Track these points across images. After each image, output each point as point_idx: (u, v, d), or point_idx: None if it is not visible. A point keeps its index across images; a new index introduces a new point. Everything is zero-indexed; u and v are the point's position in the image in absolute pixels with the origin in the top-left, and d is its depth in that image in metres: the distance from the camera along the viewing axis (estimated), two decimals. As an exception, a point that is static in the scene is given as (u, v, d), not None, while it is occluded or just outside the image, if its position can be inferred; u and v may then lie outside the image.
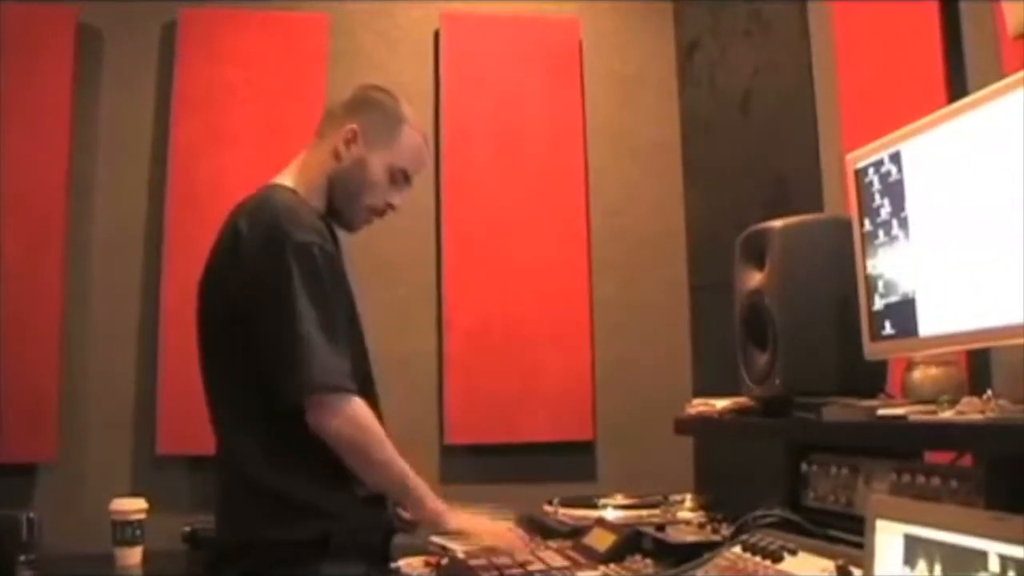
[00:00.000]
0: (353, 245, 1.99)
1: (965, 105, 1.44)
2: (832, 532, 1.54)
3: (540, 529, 2.13)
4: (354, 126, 1.82)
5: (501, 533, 1.85)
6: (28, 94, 2.93)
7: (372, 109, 1.86)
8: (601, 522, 2.01)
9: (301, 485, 1.64)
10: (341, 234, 1.89)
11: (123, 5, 3.13)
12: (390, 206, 1.87)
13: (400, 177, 1.86)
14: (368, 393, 1.76)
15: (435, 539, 2.06)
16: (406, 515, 1.86)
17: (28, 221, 2.89)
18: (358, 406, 1.64)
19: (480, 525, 1.83)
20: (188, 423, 2.80)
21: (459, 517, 1.78)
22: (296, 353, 1.60)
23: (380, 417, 1.79)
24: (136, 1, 3.13)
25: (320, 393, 1.61)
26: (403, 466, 1.69)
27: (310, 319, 1.61)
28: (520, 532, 1.92)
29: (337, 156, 1.82)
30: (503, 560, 1.77)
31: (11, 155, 2.89)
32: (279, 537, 1.62)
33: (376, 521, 1.75)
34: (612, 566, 1.72)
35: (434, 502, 1.74)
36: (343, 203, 1.82)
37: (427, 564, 2.02)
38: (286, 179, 1.82)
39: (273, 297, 1.62)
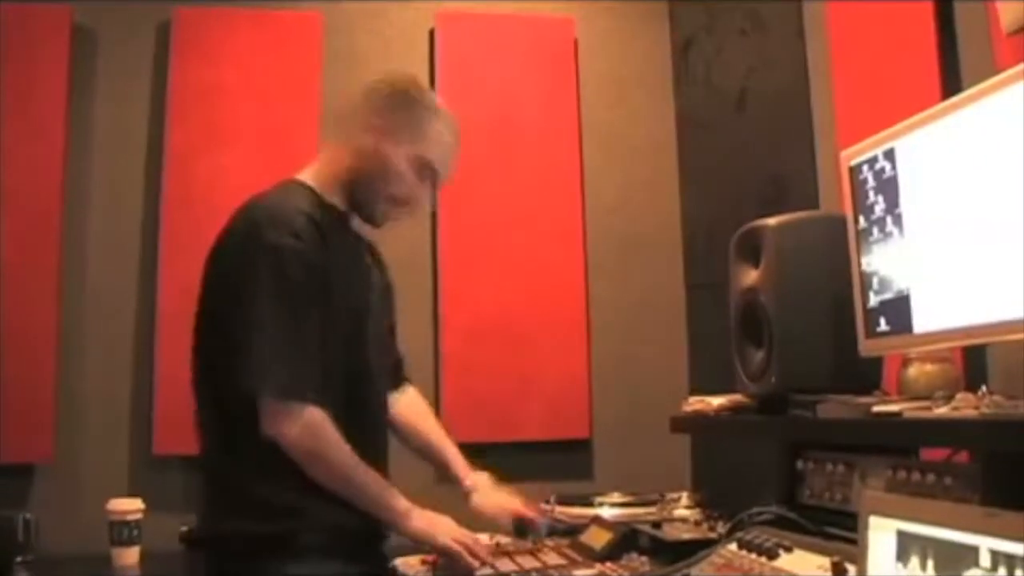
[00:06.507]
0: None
1: (959, 102, 1.44)
2: (828, 529, 1.54)
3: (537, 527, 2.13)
4: (375, 119, 1.77)
5: (459, 537, 1.75)
6: (23, 94, 2.92)
7: (394, 101, 1.79)
8: (597, 520, 2.01)
9: (277, 486, 1.62)
10: None
11: (117, 5, 3.12)
12: (417, 201, 1.81)
13: (426, 171, 1.79)
14: (363, 393, 1.76)
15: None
16: None
17: (24, 222, 2.88)
18: (310, 416, 1.61)
19: (439, 527, 1.75)
20: (185, 423, 2.77)
21: (421, 519, 1.72)
22: (250, 358, 1.59)
23: (379, 416, 1.81)
24: (130, 1, 3.12)
25: (271, 400, 1.60)
26: (359, 474, 1.66)
27: (269, 324, 1.58)
28: (479, 539, 1.82)
29: (358, 150, 1.77)
30: (497, 554, 1.77)
31: (6, 156, 2.88)
32: (245, 534, 1.62)
33: (351, 520, 1.68)
34: (608, 564, 1.72)
35: (399, 504, 1.70)
36: (365, 196, 1.78)
37: (423, 562, 2.02)
38: (305, 174, 1.80)
39: (236, 300, 1.61)
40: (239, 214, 1.72)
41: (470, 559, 1.71)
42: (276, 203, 1.70)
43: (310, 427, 1.61)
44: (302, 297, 1.63)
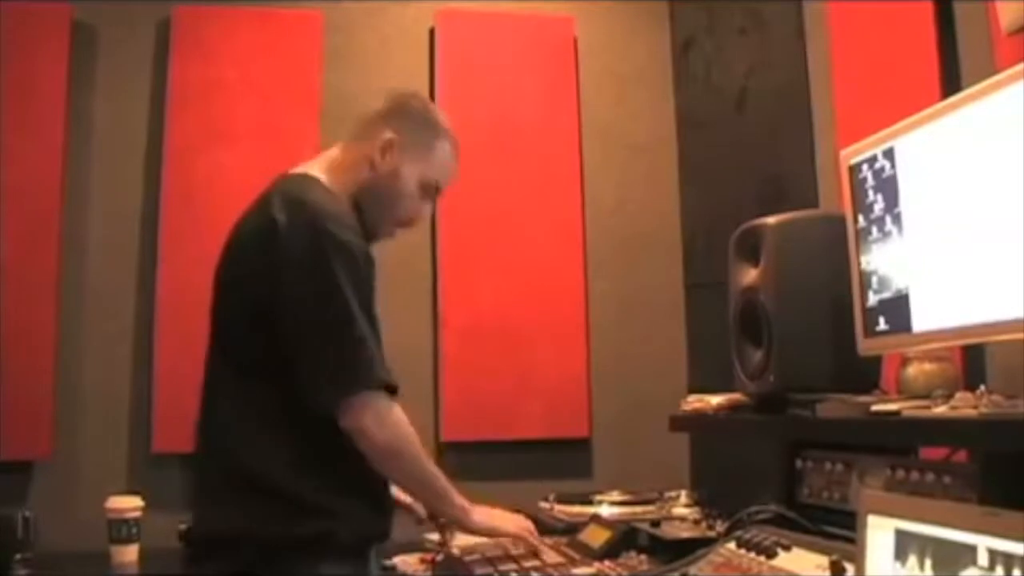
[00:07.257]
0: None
1: (958, 101, 1.44)
2: (826, 528, 1.54)
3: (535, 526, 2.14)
4: (391, 135, 1.78)
5: (521, 524, 1.84)
6: (23, 92, 2.92)
7: (410, 119, 1.83)
8: (596, 519, 2.01)
9: (312, 485, 1.61)
10: None
11: (117, 2, 3.12)
12: (417, 221, 1.87)
13: (432, 190, 1.84)
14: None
15: (430, 536, 2.07)
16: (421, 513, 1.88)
17: (24, 219, 2.88)
18: (399, 412, 1.64)
19: (498, 519, 1.82)
20: (184, 421, 2.77)
21: (482, 514, 1.77)
22: (343, 353, 1.59)
23: None
24: (131, -1, 3.13)
25: (364, 393, 1.60)
26: (431, 470, 1.70)
27: (361, 320, 1.60)
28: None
29: (372, 164, 1.78)
30: (495, 553, 1.77)
31: (6, 153, 2.88)
32: (278, 533, 1.59)
33: (377, 524, 1.71)
34: (607, 562, 1.72)
35: (460, 500, 1.74)
36: (372, 212, 1.78)
37: (422, 561, 2.02)
38: (319, 173, 1.77)
39: (321, 298, 1.60)
40: (281, 208, 1.65)
41: (535, 542, 1.82)
42: (329, 201, 1.69)
43: (398, 424, 1.63)
44: (371, 295, 1.67)
